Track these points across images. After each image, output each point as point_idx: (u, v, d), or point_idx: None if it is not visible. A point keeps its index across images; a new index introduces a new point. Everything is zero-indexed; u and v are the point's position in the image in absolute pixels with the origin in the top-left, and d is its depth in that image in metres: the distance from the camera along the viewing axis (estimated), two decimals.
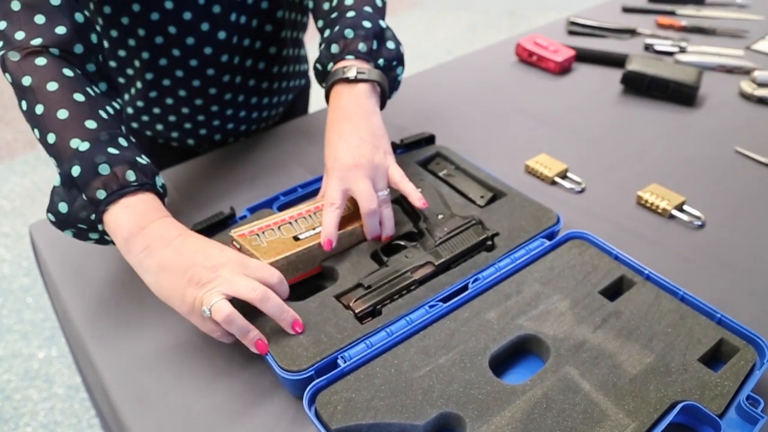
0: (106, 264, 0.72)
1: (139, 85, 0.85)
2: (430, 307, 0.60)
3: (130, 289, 0.68)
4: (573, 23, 1.25)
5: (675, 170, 0.84)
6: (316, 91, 1.20)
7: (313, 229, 0.66)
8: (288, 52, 0.94)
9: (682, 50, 1.13)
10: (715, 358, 0.57)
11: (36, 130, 0.62)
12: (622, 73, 1.01)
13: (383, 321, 0.58)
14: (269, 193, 0.76)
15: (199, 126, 0.91)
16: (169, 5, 0.76)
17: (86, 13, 0.66)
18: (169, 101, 0.87)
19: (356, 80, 0.69)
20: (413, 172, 0.78)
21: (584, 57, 1.12)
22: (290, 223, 0.66)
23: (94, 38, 0.67)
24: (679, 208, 0.76)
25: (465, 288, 0.62)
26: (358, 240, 0.67)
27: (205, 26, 0.79)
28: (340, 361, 0.55)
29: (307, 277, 0.65)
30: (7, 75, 0.63)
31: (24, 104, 0.62)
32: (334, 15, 0.74)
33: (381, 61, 0.71)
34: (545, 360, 0.56)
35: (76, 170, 0.57)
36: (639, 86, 1.01)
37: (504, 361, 0.58)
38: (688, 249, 0.71)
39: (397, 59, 0.74)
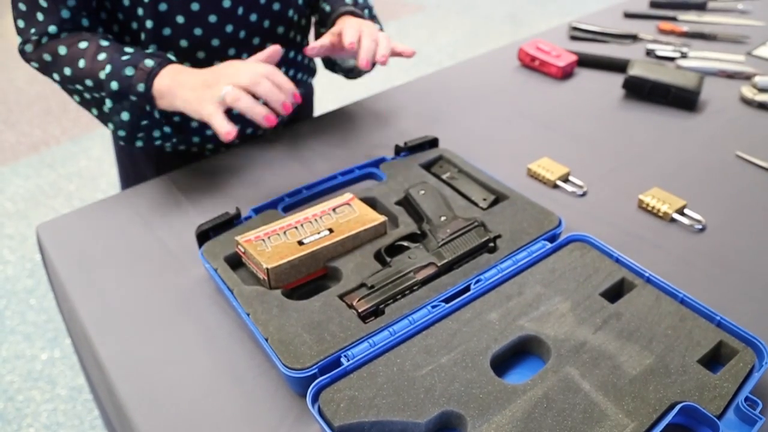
0: (113, 263, 0.72)
1: None
2: (433, 307, 0.60)
3: (137, 289, 0.69)
4: (575, 28, 1.26)
5: (676, 174, 0.84)
6: (319, 97, 1.21)
7: (318, 233, 0.67)
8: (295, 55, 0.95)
9: (684, 55, 1.14)
10: (714, 360, 0.57)
11: (77, 86, 0.78)
12: (624, 78, 1.02)
13: (386, 320, 0.59)
14: (274, 194, 0.77)
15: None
16: None
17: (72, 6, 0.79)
18: None
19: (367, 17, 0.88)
20: (416, 175, 0.78)
21: (586, 62, 1.13)
22: (296, 227, 0.68)
23: (85, 22, 0.80)
24: (680, 211, 0.77)
25: (467, 289, 0.63)
26: (362, 242, 0.68)
27: (212, 18, 0.81)
28: (343, 360, 0.55)
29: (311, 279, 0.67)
30: (32, 64, 0.80)
31: (56, 76, 0.79)
32: None
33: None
34: (546, 360, 0.56)
35: (114, 85, 0.75)
36: (640, 91, 1.01)
37: (505, 361, 0.58)
38: (689, 252, 0.72)
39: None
